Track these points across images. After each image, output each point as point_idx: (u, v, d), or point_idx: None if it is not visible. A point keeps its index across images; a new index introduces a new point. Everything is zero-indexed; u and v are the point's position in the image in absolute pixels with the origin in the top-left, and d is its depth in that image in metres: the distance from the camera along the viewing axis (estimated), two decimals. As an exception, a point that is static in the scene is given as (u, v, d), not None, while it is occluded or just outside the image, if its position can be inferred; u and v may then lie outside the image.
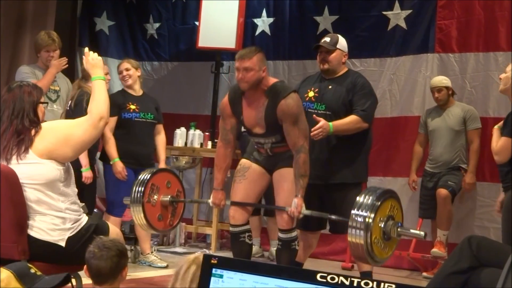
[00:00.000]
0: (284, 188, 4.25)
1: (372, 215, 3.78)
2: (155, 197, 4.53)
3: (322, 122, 4.32)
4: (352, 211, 3.83)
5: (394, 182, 6.25)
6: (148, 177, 4.50)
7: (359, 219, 3.80)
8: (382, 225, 3.85)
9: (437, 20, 6.16)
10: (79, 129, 3.24)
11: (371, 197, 3.83)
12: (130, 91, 5.63)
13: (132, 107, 5.55)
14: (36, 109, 3.26)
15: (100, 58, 3.47)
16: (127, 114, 5.54)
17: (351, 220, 3.80)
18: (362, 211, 3.80)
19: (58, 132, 3.24)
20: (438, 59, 6.16)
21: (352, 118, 4.47)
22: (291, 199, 4.16)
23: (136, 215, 4.46)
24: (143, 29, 7.67)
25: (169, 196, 4.58)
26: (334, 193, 4.55)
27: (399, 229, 3.92)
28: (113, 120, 5.47)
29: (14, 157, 3.17)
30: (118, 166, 5.43)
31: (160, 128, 5.76)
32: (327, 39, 4.66)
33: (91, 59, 3.44)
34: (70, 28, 7.18)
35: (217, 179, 4.44)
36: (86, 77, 5.21)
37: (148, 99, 5.75)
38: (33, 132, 3.20)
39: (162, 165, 5.73)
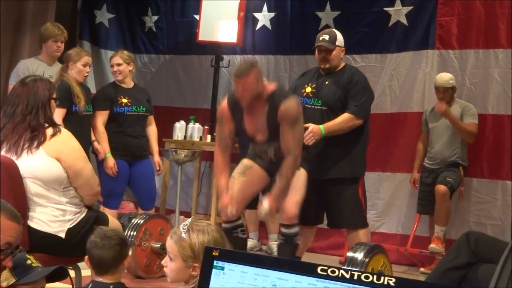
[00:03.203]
0: (295, 186, 4.20)
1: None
2: (146, 243, 4.69)
3: (311, 126, 4.31)
4: (343, 267, 3.86)
5: (393, 177, 6.27)
6: (142, 222, 4.70)
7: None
8: None
9: (438, 17, 6.16)
10: (89, 170, 3.32)
11: (361, 254, 3.88)
12: (121, 84, 5.62)
13: (124, 100, 5.53)
14: (49, 105, 3.24)
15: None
16: (119, 108, 5.52)
17: None
18: (352, 267, 3.86)
19: (74, 153, 3.27)
20: (438, 55, 6.16)
21: (344, 116, 4.45)
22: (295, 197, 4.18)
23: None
24: (141, 21, 7.66)
25: (160, 244, 4.69)
26: (330, 187, 4.54)
27: None
28: (105, 114, 5.48)
29: (24, 152, 3.16)
30: (110, 161, 5.44)
31: (151, 119, 5.75)
32: (326, 37, 4.60)
33: None
34: (70, 21, 7.15)
35: (221, 186, 4.26)
36: (67, 63, 5.26)
37: (140, 91, 5.72)
38: (51, 131, 3.19)
39: (156, 156, 5.76)
